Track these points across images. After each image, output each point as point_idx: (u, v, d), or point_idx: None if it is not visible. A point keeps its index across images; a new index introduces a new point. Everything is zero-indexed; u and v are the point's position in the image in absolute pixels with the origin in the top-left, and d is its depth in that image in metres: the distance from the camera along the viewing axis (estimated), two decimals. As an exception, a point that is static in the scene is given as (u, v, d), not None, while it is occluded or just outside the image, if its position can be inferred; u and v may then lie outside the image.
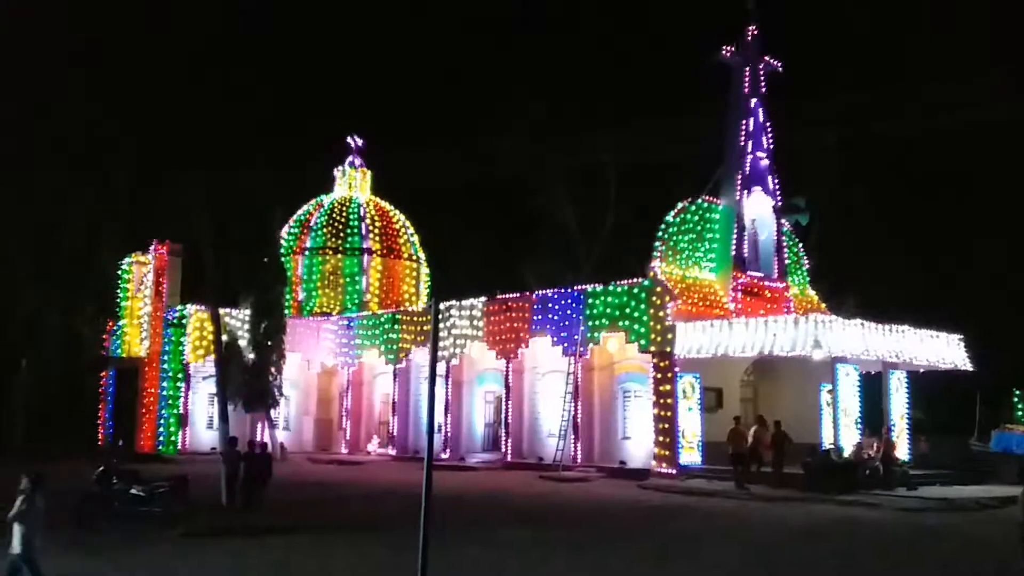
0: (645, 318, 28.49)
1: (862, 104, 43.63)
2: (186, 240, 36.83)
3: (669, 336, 27.79)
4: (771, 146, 31.65)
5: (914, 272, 38.87)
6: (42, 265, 37.46)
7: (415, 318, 35.37)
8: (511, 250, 42.45)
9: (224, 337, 32.03)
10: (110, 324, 39.49)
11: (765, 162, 31.50)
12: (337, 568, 13.49)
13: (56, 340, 37.24)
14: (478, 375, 34.32)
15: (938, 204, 44.82)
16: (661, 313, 28.15)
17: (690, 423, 27.59)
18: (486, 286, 34.31)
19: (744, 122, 30.91)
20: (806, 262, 34.02)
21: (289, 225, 41.95)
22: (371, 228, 41.80)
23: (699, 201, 31.13)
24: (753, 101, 31.16)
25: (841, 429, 25.64)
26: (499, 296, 32.73)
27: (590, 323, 29.76)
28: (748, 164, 30.86)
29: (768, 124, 31.61)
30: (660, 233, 30.02)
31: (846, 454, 24.96)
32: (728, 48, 30.87)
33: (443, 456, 32.08)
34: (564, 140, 36.14)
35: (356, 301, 40.59)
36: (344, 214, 41.97)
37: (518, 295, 32.41)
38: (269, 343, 33.51)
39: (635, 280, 29.23)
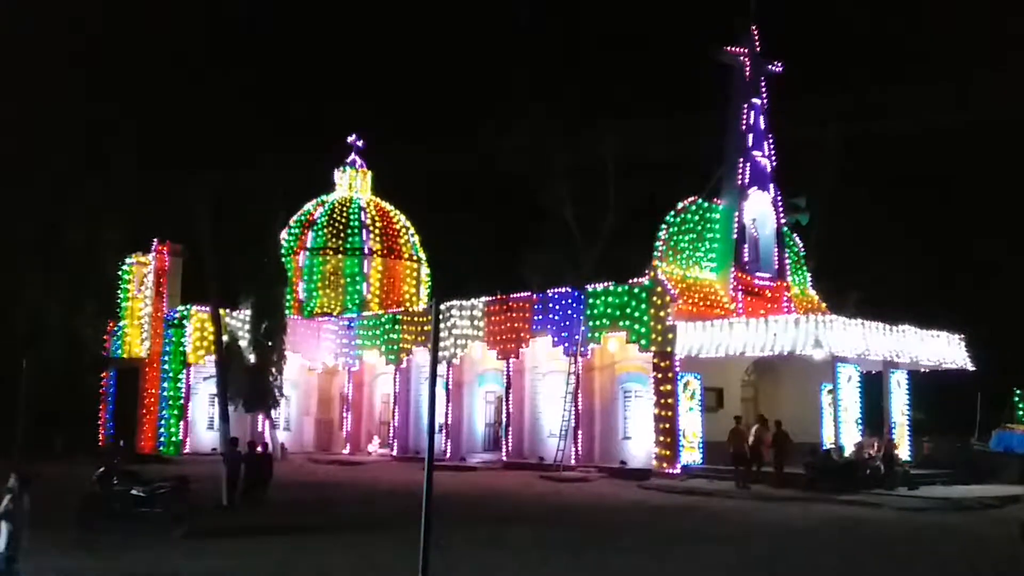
0: (646, 318, 28.49)
1: (862, 103, 43.64)
2: (187, 240, 36.88)
3: (669, 336, 27.79)
4: (771, 146, 31.66)
5: (915, 271, 38.83)
6: (44, 265, 37.45)
7: (416, 318, 35.37)
8: (512, 250, 42.42)
9: (225, 337, 32.14)
10: (111, 324, 39.49)
11: (765, 162, 31.49)
12: (338, 568, 13.48)
13: (57, 340, 37.22)
14: (479, 375, 34.32)
15: (939, 203, 44.81)
16: (662, 313, 28.15)
17: (691, 423, 27.59)
18: (487, 286, 34.33)
19: (744, 122, 30.91)
20: (807, 262, 34.01)
21: (290, 225, 41.93)
22: (372, 228, 41.80)
23: (699, 201, 31.12)
24: (753, 101, 31.16)
25: (842, 429, 25.64)
26: (500, 296, 32.73)
27: (591, 323, 29.76)
28: (748, 164, 30.85)
29: (768, 124, 31.61)
30: (660, 233, 30.01)
31: (847, 454, 24.95)
32: (728, 48, 30.87)
33: (444, 456, 32.08)
34: (564, 139, 36.08)
35: (357, 301, 40.59)
36: (345, 214, 41.97)
37: (519, 295, 32.41)
38: (270, 343, 33.51)
39: (636, 280, 29.23)
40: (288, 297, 37.80)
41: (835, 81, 49.90)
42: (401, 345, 35.33)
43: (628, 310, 28.97)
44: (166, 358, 37.29)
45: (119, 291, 39.22)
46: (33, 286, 37.21)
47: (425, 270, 43.34)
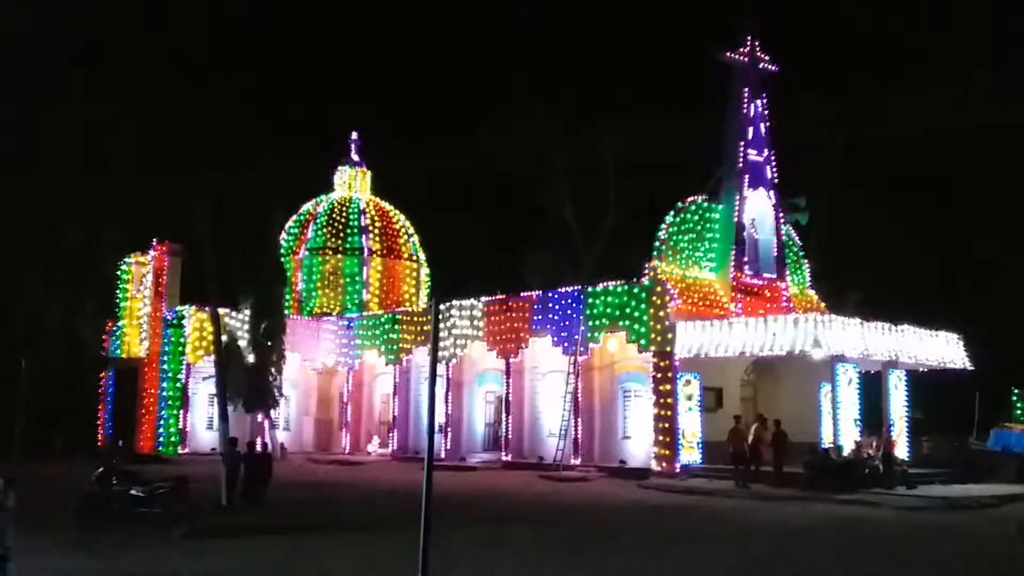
0: (645, 318, 28.52)
1: (862, 104, 43.66)
2: (186, 240, 36.86)
3: (669, 336, 27.82)
4: (771, 146, 31.69)
5: (914, 271, 38.86)
6: (44, 265, 37.46)
7: (415, 318, 35.39)
8: (511, 250, 42.41)
9: (224, 337, 32.04)
10: (109, 324, 39.50)
11: (765, 161, 31.52)
12: (338, 568, 13.50)
13: (57, 340, 37.25)
14: (478, 375, 34.35)
15: (938, 203, 44.83)
16: (661, 313, 28.18)
17: (690, 422, 27.62)
18: (486, 286, 34.34)
19: (743, 121, 30.94)
20: (806, 262, 34.04)
21: (289, 225, 41.95)
22: (371, 228, 41.81)
23: (699, 201, 31.16)
24: (753, 101, 31.19)
25: (841, 428, 25.68)
26: (499, 296, 32.76)
27: (590, 323, 29.79)
28: (748, 164, 30.89)
29: (768, 123, 31.64)
30: (660, 233, 30.06)
31: (846, 453, 24.98)
32: (728, 49, 30.89)
33: (443, 456, 32.10)
34: (564, 139, 36.09)
35: (356, 301, 40.61)
36: (344, 214, 41.98)
37: (518, 295, 32.44)
38: (269, 343, 33.50)
39: (635, 280, 29.26)
40: (287, 297, 37.82)
41: (835, 82, 49.94)
42: (401, 345, 35.35)
43: (628, 310, 29.00)
44: (165, 358, 37.28)
45: (118, 291, 39.24)
46: (33, 286, 37.22)
47: (425, 270, 43.36)
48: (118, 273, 39.08)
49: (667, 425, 27.60)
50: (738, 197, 30.58)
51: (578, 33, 65.96)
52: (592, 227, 36.73)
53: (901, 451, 27.19)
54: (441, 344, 32.71)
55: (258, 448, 22.88)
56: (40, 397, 34.19)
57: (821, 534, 17.42)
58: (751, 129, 31.09)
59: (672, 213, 30.40)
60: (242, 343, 33.74)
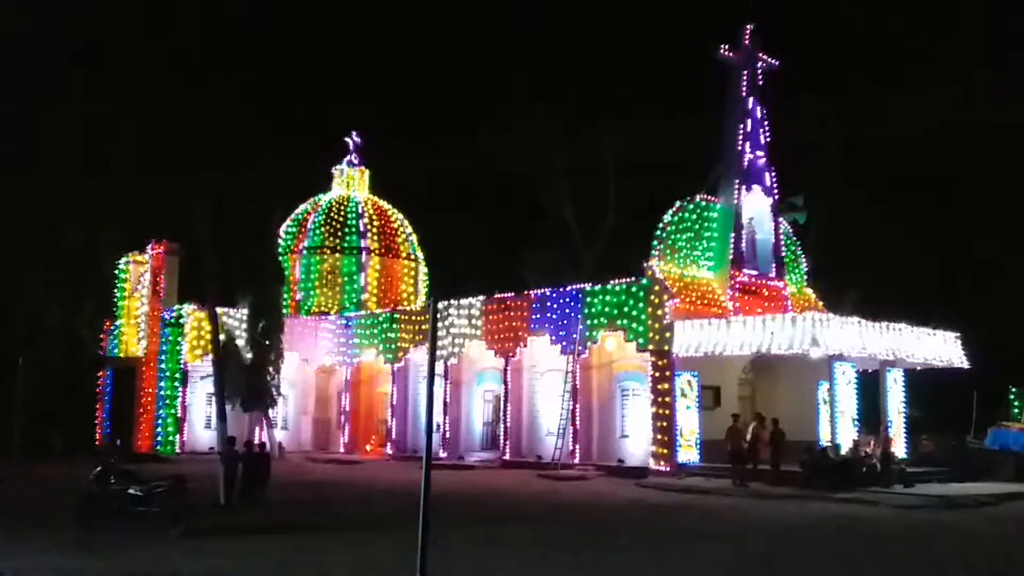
0: (643, 317, 28.53)
1: (862, 104, 43.70)
2: (184, 239, 36.88)
3: (667, 335, 27.84)
4: (769, 144, 31.71)
5: (912, 270, 38.91)
6: (44, 265, 37.45)
7: (413, 317, 35.39)
8: (511, 250, 42.47)
9: (222, 337, 32.09)
10: (107, 323, 39.50)
11: (763, 160, 31.56)
12: (337, 568, 13.50)
13: (56, 340, 37.25)
14: (477, 374, 34.35)
15: (936, 202, 44.86)
16: (659, 312, 28.20)
17: (688, 421, 27.64)
18: (485, 285, 34.36)
19: (742, 120, 30.95)
20: (804, 260, 34.07)
21: (287, 224, 41.95)
22: (369, 227, 41.80)
23: (697, 199, 31.18)
24: (751, 99, 31.21)
25: (838, 427, 25.72)
26: (497, 295, 32.77)
27: (588, 322, 29.80)
28: (746, 162, 30.91)
29: (766, 122, 31.67)
30: (658, 232, 30.06)
31: (843, 452, 25.02)
32: (726, 47, 30.91)
33: (441, 455, 32.12)
34: (564, 139, 36.16)
35: (354, 300, 40.60)
36: (342, 213, 41.97)
37: (516, 294, 32.45)
38: (267, 342, 33.51)
39: (633, 279, 29.28)
40: (285, 296, 37.82)
41: (835, 81, 49.94)
42: (399, 344, 35.35)
43: (626, 309, 29.01)
44: (163, 357, 37.29)
45: (116, 290, 39.23)
46: (33, 286, 37.22)
47: (423, 269, 43.35)
48: (116, 272, 39.08)
49: (665, 424, 27.62)
50: (736, 196, 30.60)
51: (578, 33, 65.97)
52: (592, 227, 36.82)
53: (899, 450, 27.23)
54: (439, 343, 32.71)
55: (256, 447, 22.89)
56: (38, 396, 34.23)
57: (819, 532, 17.45)
58: (749, 127, 31.10)
59: (670, 212, 30.41)
60: (240, 342, 33.75)
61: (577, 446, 29.90)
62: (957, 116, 41.66)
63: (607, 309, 29.50)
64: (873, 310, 29.91)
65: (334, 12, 73.25)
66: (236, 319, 35.57)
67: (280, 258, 38.42)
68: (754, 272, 30.97)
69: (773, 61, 31.81)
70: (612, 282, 29.72)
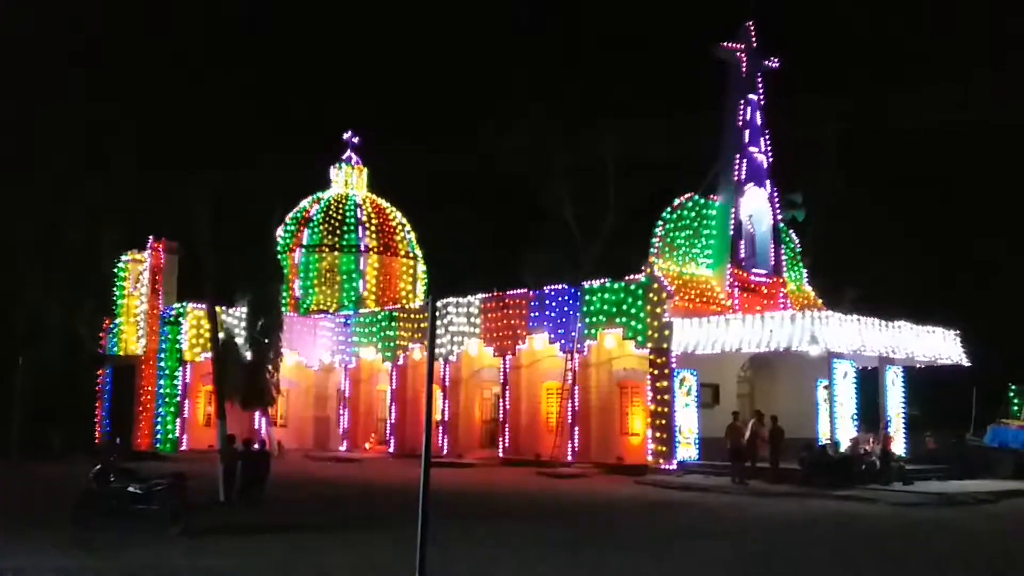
0: (642, 314, 28.55)
1: (862, 103, 43.70)
2: (182, 238, 36.88)
3: (666, 332, 27.85)
4: (768, 142, 31.73)
5: (911, 268, 38.90)
6: (44, 265, 37.43)
7: (412, 315, 35.40)
8: (510, 249, 42.42)
9: (221, 335, 32.06)
10: (106, 322, 39.49)
11: (762, 158, 31.57)
12: (336, 565, 13.51)
13: (55, 338, 37.24)
14: (475, 372, 34.36)
15: (935, 201, 44.86)
16: (658, 309, 28.21)
17: (687, 419, 27.66)
18: (484, 284, 34.35)
19: (741, 118, 30.96)
20: (803, 258, 34.07)
21: (286, 222, 41.95)
22: (368, 225, 41.81)
23: (696, 197, 31.19)
24: (750, 97, 31.22)
25: (837, 424, 25.73)
26: (496, 293, 32.77)
27: (587, 320, 29.81)
28: (745, 160, 30.92)
29: (766, 120, 31.67)
30: (657, 229, 30.06)
31: (842, 449, 25.03)
32: (725, 44, 30.91)
33: (441, 453, 32.13)
34: (564, 139, 36.08)
35: (353, 298, 40.61)
36: (341, 211, 41.97)
37: (515, 292, 32.46)
38: (266, 341, 33.47)
39: (632, 277, 29.28)
40: (284, 294, 37.81)
41: (835, 81, 49.96)
42: (398, 342, 35.36)
43: (625, 307, 29.02)
44: (162, 355, 37.30)
45: (115, 288, 39.22)
46: (33, 285, 37.19)
47: (421, 267, 43.36)
48: (115, 271, 39.07)
49: (664, 421, 27.64)
50: (735, 193, 30.60)
51: (578, 33, 65.97)
52: (592, 227, 36.78)
53: (898, 447, 27.25)
54: (438, 341, 32.72)
55: (255, 445, 22.89)
56: (37, 395, 34.25)
57: (818, 530, 17.46)
58: (748, 125, 31.10)
59: (669, 210, 30.42)
60: (239, 340, 33.73)
61: (576, 444, 29.91)
62: (957, 116, 41.68)
63: (606, 307, 29.51)
64: (872, 308, 29.93)
65: (334, 12, 73.25)
66: (235, 317, 35.56)
67: (279, 256, 38.40)
68: (753, 270, 30.98)
69: (773, 60, 31.82)
70: (610, 279, 29.72)
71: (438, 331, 32.57)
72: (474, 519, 18.20)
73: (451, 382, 33.96)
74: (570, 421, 30.15)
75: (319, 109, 58.67)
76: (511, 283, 33.76)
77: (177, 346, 37.11)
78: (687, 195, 31.00)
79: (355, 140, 44.28)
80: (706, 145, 32.77)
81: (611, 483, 25.60)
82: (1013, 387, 28.47)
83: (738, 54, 31.09)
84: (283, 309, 36.33)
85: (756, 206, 31.37)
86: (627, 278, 29.38)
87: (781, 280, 31.68)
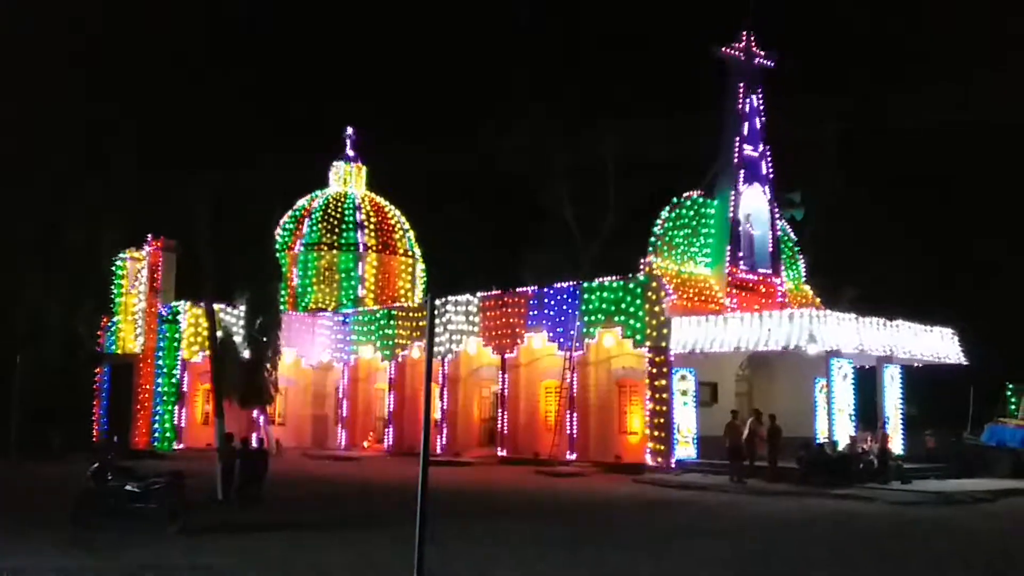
0: (640, 313, 28.55)
1: (862, 103, 43.73)
2: (180, 236, 36.82)
3: (664, 331, 27.86)
4: (767, 141, 31.73)
5: (909, 268, 38.93)
6: (43, 264, 37.37)
7: (411, 314, 35.40)
8: (509, 248, 42.43)
9: (219, 333, 32.04)
10: (104, 320, 39.44)
11: (761, 158, 31.56)
12: (334, 564, 13.51)
13: (53, 337, 37.18)
14: (474, 370, 34.36)
15: (933, 200, 44.89)
16: (656, 308, 28.22)
17: (685, 418, 27.67)
18: (483, 283, 34.36)
19: (739, 117, 30.96)
20: (801, 257, 34.09)
21: (284, 221, 41.92)
22: (366, 223, 41.79)
23: (694, 196, 31.20)
24: (749, 97, 31.21)
25: (835, 423, 25.75)
26: (495, 292, 32.77)
27: (586, 318, 29.81)
28: (744, 159, 30.92)
29: (764, 119, 31.67)
30: (655, 228, 30.08)
31: (840, 448, 25.05)
32: (724, 45, 30.91)
33: (439, 452, 32.14)
34: (564, 139, 36.10)
35: (351, 297, 40.60)
36: (339, 210, 41.95)
37: (513, 291, 32.46)
38: (264, 339, 33.35)
39: (631, 275, 29.29)
40: (283, 292, 37.77)
41: (835, 81, 49.98)
42: (396, 340, 35.35)
43: (623, 305, 29.03)
44: (160, 353, 37.26)
45: (113, 286, 39.18)
46: (31, 285, 37.13)
47: (420, 265, 43.34)
48: (113, 269, 39.03)
49: (662, 420, 27.65)
50: (733, 192, 30.62)
51: (578, 33, 65.98)
52: (592, 226, 36.80)
53: (896, 446, 27.27)
54: (437, 340, 32.72)
55: (254, 444, 22.88)
56: (36, 394, 34.20)
57: (816, 529, 17.48)
58: (747, 124, 31.13)
59: (667, 208, 30.44)
60: (237, 339, 33.65)
61: (574, 443, 29.92)
62: (957, 116, 41.72)
63: (604, 306, 29.51)
64: (869, 306, 29.95)
65: (333, 12, 73.21)
66: (233, 315, 35.50)
67: (277, 254, 38.37)
68: (751, 269, 31.00)
69: (771, 59, 31.82)
70: (609, 278, 29.74)
71: (437, 329, 32.58)
72: (472, 518, 18.20)
73: (450, 380, 33.96)
74: (569, 420, 30.15)
75: (319, 108, 58.70)
76: (511, 283, 33.79)
77: (175, 344, 37.08)
78: (686, 194, 31.00)
79: (354, 138, 44.26)
80: (705, 145, 32.81)
81: (609, 482, 25.61)
82: (1011, 386, 28.47)
83: (736, 54, 31.07)
84: (282, 307, 36.30)
85: (755, 205, 31.38)
86: (626, 277, 29.38)
87: (779, 279, 31.69)
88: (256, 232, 32.28)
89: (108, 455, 18.92)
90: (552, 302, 30.87)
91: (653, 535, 16.63)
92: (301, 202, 42.80)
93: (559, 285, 31.18)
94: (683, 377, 27.86)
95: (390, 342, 35.57)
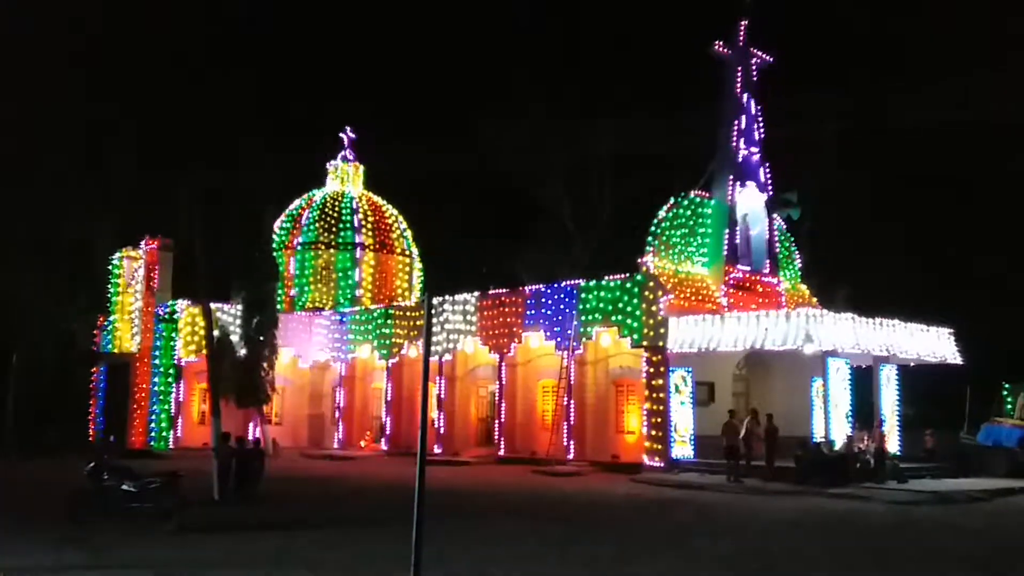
0: (638, 312, 28.56)
1: (862, 103, 43.80)
2: (177, 235, 36.80)
3: (661, 330, 27.86)
4: (763, 140, 31.75)
5: (907, 268, 39.02)
6: (40, 262, 37.33)
7: (408, 313, 35.38)
8: (505, 245, 42.48)
9: (216, 332, 32.02)
10: (101, 319, 39.40)
11: (757, 156, 31.60)
12: (331, 563, 13.50)
13: (49, 336, 37.15)
14: (471, 370, 34.36)
15: (930, 200, 44.98)
16: (653, 308, 28.22)
17: (682, 417, 27.66)
18: (479, 281, 34.37)
19: (736, 116, 30.98)
20: (798, 256, 34.11)
21: (281, 220, 41.89)
22: (363, 223, 41.76)
23: (691, 196, 31.21)
24: (746, 96, 31.24)
25: (832, 423, 25.76)
26: (492, 291, 32.76)
27: (583, 318, 29.81)
28: (740, 158, 30.94)
29: (761, 118, 31.69)
30: (652, 228, 30.10)
31: (837, 447, 25.07)
32: (720, 43, 30.92)
33: (436, 451, 32.13)
34: (562, 138, 36.18)
35: (348, 296, 40.57)
36: (336, 209, 41.92)
37: (511, 290, 32.45)
38: (261, 338, 33.44)
39: (628, 275, 29.30)
40: (280, 292, 37.76)
41: (834, 79, 50.05)
42: (393, 340, 35.34)
43: (620, 305, 29.03)
44: (157, 353, 37.22)
45: (109, 286, 39.14)
46: (29, 285, 37.08)
47: (417, 265, 43.32)
48: (110, 268, 38.99)
49: (659, 419, 27.66)
50: (730, 192, 30.63)
51: (578, 33, 66.00)
52: (588, 225, 36.86)
53: (892, 445, 27.31)
54: (434, 339, 32.71)
55: (250, 443, 22.88)
56: (32, 393, 34.19)
57: (813, 528, 17.49)
58: (744, 123, 31.13)
59: (664, 208, 30.45)
60: (234, 338, 33.68)
61: (572, 442, 29.92)
62: (957, 116, 41.78)
63: (601, 305, 29.51)
64: (865, 306, 29.98)
65: (333, 12, 73.19)
66: (230, 315, 35.51)
67: (274, 253, 38.36)
68: (748, 268, 31.02)
69: (768, 57, 31.85)
70: (607, 278, 29.75)
71: (434, 329, 32.58)
72: (469, 517, 18.20)
73: (447, 380, 33.94)
74: (566, 419, 30.15)
75: (317, 108, 58.67)
76: (507, 280, 33.84)
77: (172, 344, 37.05)
78: (683, 193, 31.02)
79: (352, 137, 44.24)
80: (703, 144, 32.85)
81: (607, 481, 25.61)
82: (1007, 386, 28.53)
83: (733, 52, 31.09)
84: (278, 307, 36.29)
85: (752, 204, 31.40)
86: (623, 276, 29.38)
87: (776, 278, 31.72)
88: (253, 231, 32.29)
89: (104, 454, 18.93)
90: (549, 301, 30.86)
91: (650, 534, 16.63)
92: (298, 201, 42.78)
93: (556, 284, 31.19)
94: (680, 376, 27.87)
95: (387, 341, 35.55)
